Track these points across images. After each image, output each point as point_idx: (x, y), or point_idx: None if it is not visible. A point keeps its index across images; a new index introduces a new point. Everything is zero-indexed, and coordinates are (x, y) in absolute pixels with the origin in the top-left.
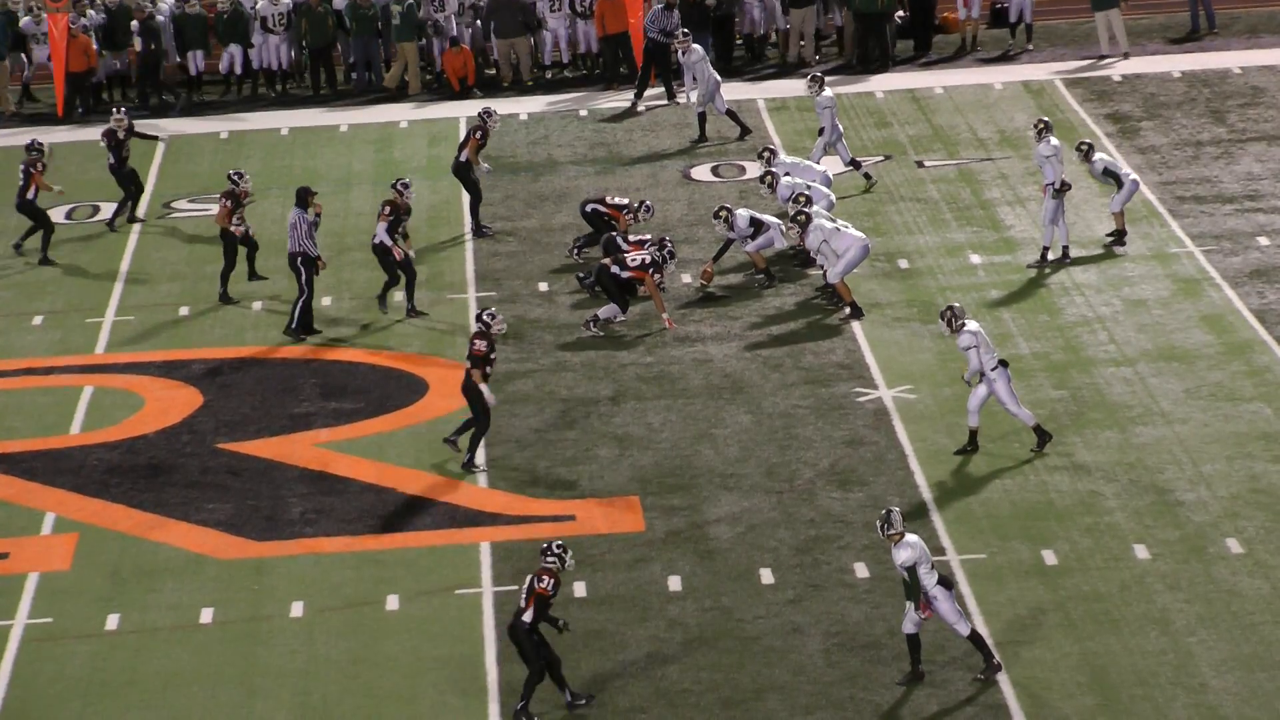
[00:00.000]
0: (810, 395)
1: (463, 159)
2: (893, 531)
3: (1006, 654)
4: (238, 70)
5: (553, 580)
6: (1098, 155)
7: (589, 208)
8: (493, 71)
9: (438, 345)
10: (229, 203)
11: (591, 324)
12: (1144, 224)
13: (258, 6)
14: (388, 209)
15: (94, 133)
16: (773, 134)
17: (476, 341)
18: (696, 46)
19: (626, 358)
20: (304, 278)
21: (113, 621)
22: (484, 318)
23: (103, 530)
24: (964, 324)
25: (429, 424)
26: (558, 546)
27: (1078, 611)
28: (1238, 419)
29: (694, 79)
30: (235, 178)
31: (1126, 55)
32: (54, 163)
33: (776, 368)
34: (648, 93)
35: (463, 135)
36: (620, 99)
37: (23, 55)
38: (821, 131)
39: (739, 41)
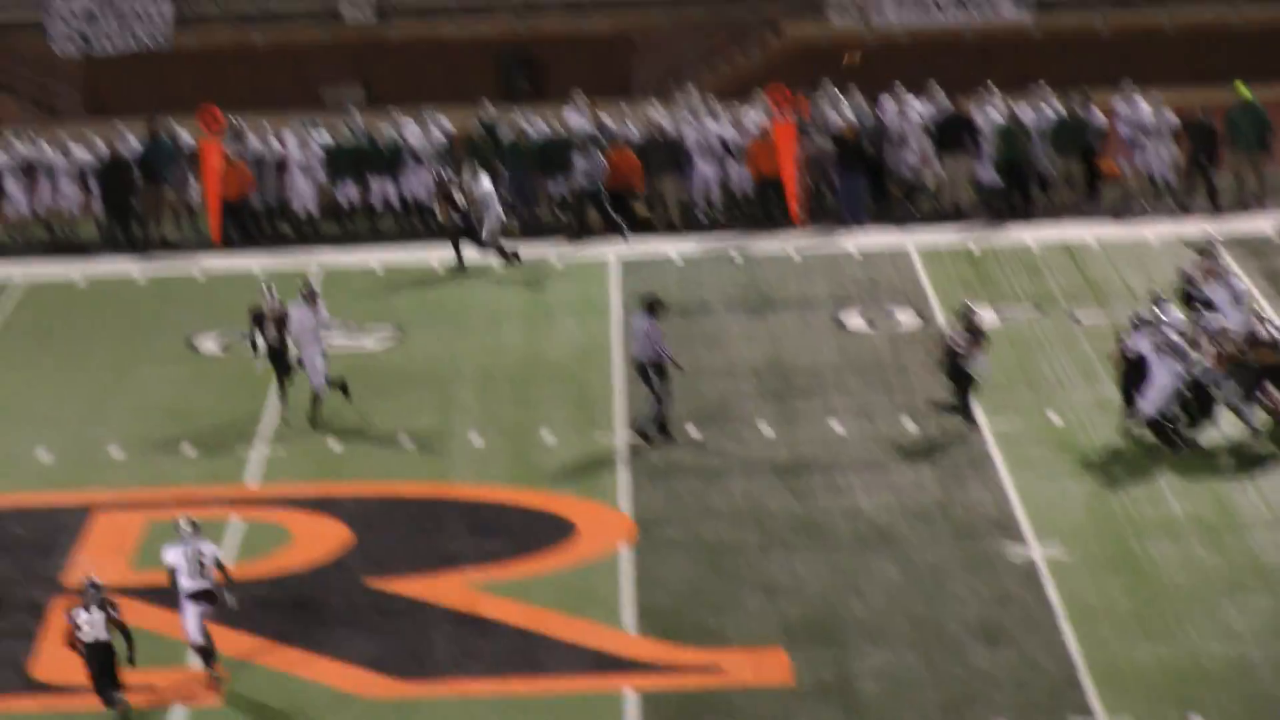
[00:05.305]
0: (958, 549)
1: None
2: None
3: None
4: (394, 203)
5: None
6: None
7: None
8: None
9: (588, 488)
10: None
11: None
12: None
13: (408, 138)
14: None
15: (248, 261)
16: (925, 284)
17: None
18: (484, 178)
19: (775, 505)
20: (657, 384)
21: None
22: None
23: (250, 665)
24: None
25: (574, 568)
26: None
27: None
28: None
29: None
30: None
31: None
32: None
33: (925, 519)
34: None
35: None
36: (775, 242)
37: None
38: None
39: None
